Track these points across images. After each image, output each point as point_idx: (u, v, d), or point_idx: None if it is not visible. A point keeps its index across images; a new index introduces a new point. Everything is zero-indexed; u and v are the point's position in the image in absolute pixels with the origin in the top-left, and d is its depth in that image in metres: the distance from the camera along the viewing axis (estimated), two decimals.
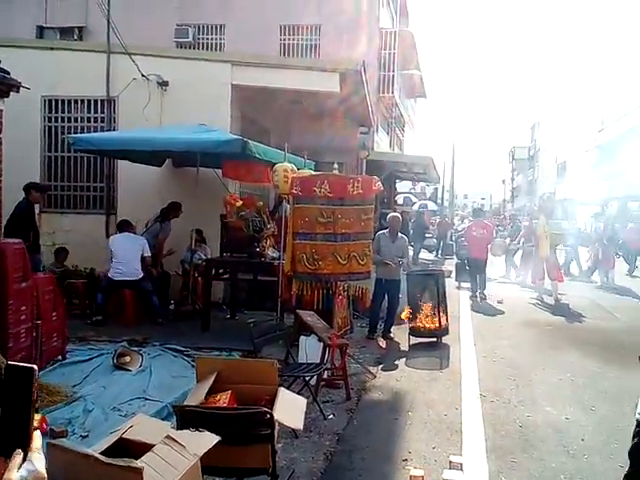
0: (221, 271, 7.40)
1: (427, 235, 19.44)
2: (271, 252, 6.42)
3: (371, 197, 5.75)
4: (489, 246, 10.59)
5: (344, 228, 5.46)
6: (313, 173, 6.50)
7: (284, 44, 14.72)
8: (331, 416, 4.39)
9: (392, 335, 7.07)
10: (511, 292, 11.23)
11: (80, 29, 15.06)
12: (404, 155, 21.34)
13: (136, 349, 5.53)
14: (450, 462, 3.52)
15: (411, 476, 3.34)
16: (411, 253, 17.46)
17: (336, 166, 5.93)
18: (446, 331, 6.90)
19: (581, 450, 3.85)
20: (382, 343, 6.80)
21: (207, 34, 14.99)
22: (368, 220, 5.68)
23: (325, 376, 5.00)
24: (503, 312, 9.10)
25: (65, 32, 15.20)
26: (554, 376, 5.58)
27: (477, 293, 10.17)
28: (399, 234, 7.11)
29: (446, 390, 5.10)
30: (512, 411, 4.58)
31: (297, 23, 14.63)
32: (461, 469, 3.46)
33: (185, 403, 3.14)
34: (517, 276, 12.81)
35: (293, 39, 14.77)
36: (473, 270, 10.32)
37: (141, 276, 6.85)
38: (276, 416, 2.75)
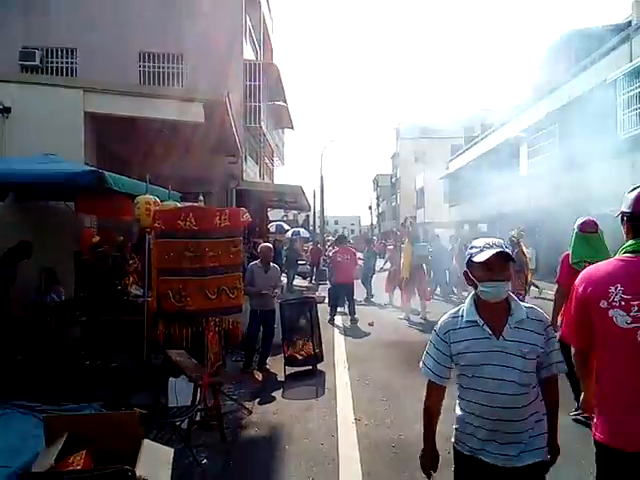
0: (78, 313, 6.74)
1: (300, 262, 19.74)
2: (134, 290, 6.01)
3: (239, 229, 5.66)
4: (355, 270, 11.02)
5: (212, 261, 5.29)
6: (178, 205, 6.26)
7: (144, 71, 14.25)
8: (205, 461, 4.13)
9: (268, 366, 6.95)
10: (379, 314, 11.75)
11: None
12: (274, 184, 21.65)
13: None
14: None
15: None
16: (285, 280, 17.62)
17: (201, 198, 5.76)
18: (321, 358, 6.96)
19: (448, 463, 4.03)
20: (258, 376, 6.65)
21: (57, 57, 13.99)
22: (237, 252, 5.56)
23: (198, 418, 4.73)
24: (374, 334, 9.44)
25: None
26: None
27: (350, 317, 10.49)
28: (271, 264, 7.08)
29: (322, 418, 5.09)
30: (385, 432, 4.69)
31: (158, 51, 14.26)
32: None
33: (33, 470, 2.75)
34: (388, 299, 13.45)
35: (154, 67, 14.35)
36: (341, 295, 10.62)
37: None
38: (139, 473, 2.50)
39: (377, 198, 75.00)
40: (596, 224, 4.76)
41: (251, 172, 17.91)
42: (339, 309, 10.96)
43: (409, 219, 13.66)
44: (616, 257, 2.16)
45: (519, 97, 29.92)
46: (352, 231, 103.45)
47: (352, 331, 9.72)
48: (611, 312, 2.01)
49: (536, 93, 22.10)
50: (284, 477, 3.90)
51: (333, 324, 10.20)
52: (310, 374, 6.67)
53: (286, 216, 36.07)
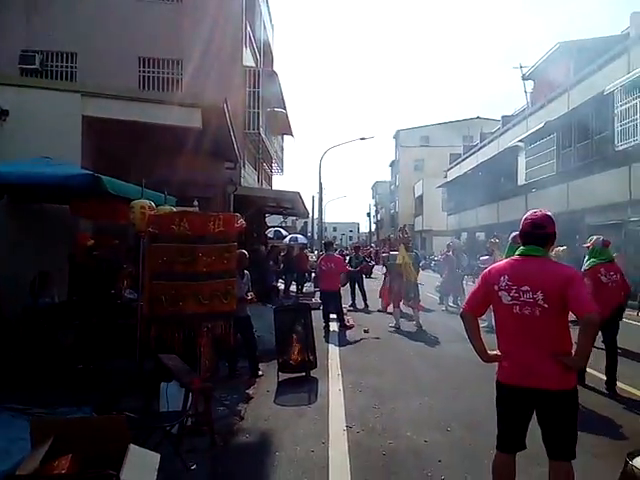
0: (71, 316, 6.72)
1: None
2: (128, 294, 5.99)
3: (234, 234, 5.65)
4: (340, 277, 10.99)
5: (206, 267, 5.28)
6: (173, 210, 6.25)
7: (144, 76, 14.29)
8: (194, 466, 4.11)
9: (261, 373, 6.93)
10: (373, 320, 11.75)
11: None
12: (272, 190, 21.65)
13: None
14: None
15: None
16: (282, 287, 17.60)
17: (196, 203, 5.74)
18: (314, 364, 6.95)
19: (438, 471, 4.03)
20: (252, 382, 6.63)
21: (57, 61, 14.03)
22: (231, 257, 5.54)
23: (189, 423, 4.71)
24: (368, 341, 9.43)
25: None
26: (415, 401, 5.84)
27: (339, 324, 10.52)
28: (244, 271, 7.00)
29: (314, 425, 5.07)
30: (376, 440, 4.67)
31: (157, 56, 14.32)
32: None
33: (17, 473, 2.73)
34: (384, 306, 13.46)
35: (153, 72, 14.40)
36: (330, 302, 10.61)
37: None
38: (123, 477, 2.49)
39: (376, 205, 75.11)
40: None
41: (250, 178, 17.93)
42: (332, 316, 10.94)
43: (406, 226, 13.71)
44: (510, 258, 3.21)
45: (517, 107, 30.04)
46: (350, 238, 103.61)
47: (346, 337, 9.70)
48: (500, 293, 3.03)
49: (534, 103, 22.25)
50: None
51: (328, 331, 10.18)
52: (303, 380, 6.65)
53: (284, 222, 36.11)
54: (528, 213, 3.22)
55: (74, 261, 6.21)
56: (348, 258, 16.43)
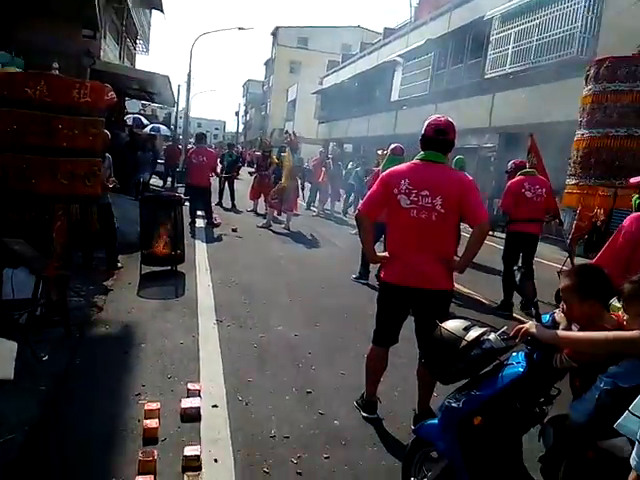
0: None
1: (160, 161, 18.46)
2: None
3: (102, 108, 4.89)
4: (212, 173, 10.40)
5: (67, 141, 4.53)
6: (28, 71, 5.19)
7: None
8: (46, 357, 3.75)
9: (120, 265, 6.47)
10: (241, 220, 11.62)
11: None
12: (137, 70, 19.36)
13: None
14: (187, 390, 3.41)
15: (146, 410, 3.10)
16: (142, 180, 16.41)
17: (56, 65, 4.77)
18: (182, 259, 6.66)
19: (308, 362, 4.18)
20: (110, 274, 6.17)
21: None
22: (97, 135, 4.81)
23: (38, 313, 4.24)
24: (237, 239, 9.31)
25: None
26: (285, 297, 5.95)
27: (205, 221, 10.20)
28: (106, 154, 6.23)
29: (182, 318, 4.91)
30: (247, 333, 4.68)
31: None
32: (199, 395, 3.38)
33: None
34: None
35: None
36: (197, 198, 10.12)
37: None
38: None
39: (246, 105, 72.40)
40: (402, 149, 7.03)
41: (110, 53, 15.85)
42: (199, 213, 10.53)
43: (277, 130, 13.31)
44: (411, 162, 3.15)
45: (400, 21, 29.97)
46: (215, 136, 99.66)
47: (215, 235, 9.47)
48: (399, 196, 3.03)
49: (418, 19, 22.30)
50: (139, 374, 3.70)
51: (194, 227, 9.82)
52: (169, 274, 6.37)
53: (144, 110, 33.14)
54: (431, 118, 3.17)
55: None
56: (220, 155, 15.68)
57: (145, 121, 24.85)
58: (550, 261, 8.62)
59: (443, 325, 2.35)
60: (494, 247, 7.39)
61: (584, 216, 6.38)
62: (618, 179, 5.77)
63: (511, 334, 2.20)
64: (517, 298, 6.17)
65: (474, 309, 6.08)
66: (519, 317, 5.92)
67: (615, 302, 2.08)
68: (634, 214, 2.96)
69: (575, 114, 6.68)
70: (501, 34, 15.12)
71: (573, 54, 12.38)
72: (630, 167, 5.58)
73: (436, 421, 2.39)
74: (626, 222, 2.90)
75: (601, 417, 1.74)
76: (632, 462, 1.04)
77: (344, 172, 15.63)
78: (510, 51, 14.57)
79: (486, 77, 15.76)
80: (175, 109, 32.56)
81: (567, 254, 6.80)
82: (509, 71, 14.67)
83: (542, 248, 7.71)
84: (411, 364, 3.60)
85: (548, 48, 13.22)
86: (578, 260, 6.91)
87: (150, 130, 21.78)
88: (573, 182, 6.40)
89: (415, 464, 2.54)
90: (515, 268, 5.34)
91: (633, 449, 1.32)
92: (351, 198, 15.02)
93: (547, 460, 2.12)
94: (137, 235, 7.01)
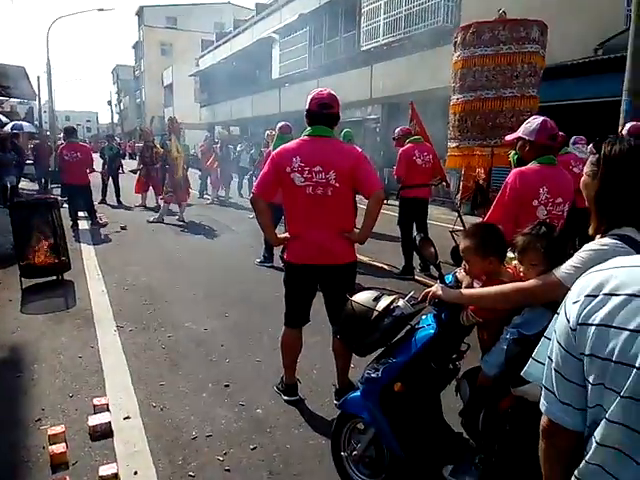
0: None
1: (28, 162, 16.80)
2: None
3: None
4: (89, 170, 9.65)
5: None
6: None
7: None
8: None
9: None
10: (130, 216, 10.98)
11: None
12: None
13: None
14: (94, 405, 3.16)
15: (49, 435, 2.83)
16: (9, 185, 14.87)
17: None
18: (68, 266, 6.12)
19: (222, 355, 4.05)
20: None
21: None
22: None
23: None
24: (127, 238, 8.76)
25: None
26: (188, 292, 5.69)
27: (89, 222, 9.53)
28: None
29: (77, 330, 4.52)
30: (153, 336, 4.42)
31: None
32: (107, 409, 3.15)
33: None
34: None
35: None
36: (77, 197, 9.39)
37: None
38: None
39: (118, 92, 67.95)
40: (290, 128, 6.98)
41: None
42: (81, 213, 9.76)
43: (156, 118, 12.64)
44: (299, 139, 3.08)
45: None
46: (89, 129, 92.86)
47: (102, 236, 8.83)
48: (292, 175, 2.95)
49: None
50: (37, 398, 3.35)
51: (77, 229, 9.09)
52: (56, 285, 5.82)
53: (1, 107, 29.91)
54: (314, 92, 3.13)
55: None
56: (100, 149, 14.55)
57: (4, 119, 22.46)
58: (441, 222, 9.10)
59: (353, 298, 2.36)
60: (389, 215, 7.65)
61: (468, 176, 6.78)
62: (493, 139, 6.17)
63: (419, 299, 2.26)
64: (417, 260, 6.44)
65: (378, 277, 6.26)
66: (421, 279, 6.20)
67: (510, 254, 2.19)
68: (516, 169, 3.11)
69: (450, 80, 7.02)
70: (371, 6, 15.44)
71: (440, 22, 12.98)
72: (503, 126, 5.98)
73: (358, 393, 2.41)
74: (510, 178, 3.04)
75: (511, 366, 1.83)
76: (541, 407, 1.09)
77: (234, 155, 15.28)
78: (382, 22, 14.95)
79: (362, 49, 16.08)
80: (37, 103, 29.77)
81: (456, 214, 7.21)
82: (383, 42, 15.07)
83: (432, 210, 8.11)
84: (325, 341, 3.62)
85: (417, 18, 13.74)
86: (466, 218, 7.39)
87: (11, 128, 19.72)
88: (454, 145, 6.74)
89: (343, 438, 2.56)
90: (414, 235, 5.55)
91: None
92: (244, 181, 14.78)
93: (466, 413, 2.22)
94: (12, 246, 6.33)
